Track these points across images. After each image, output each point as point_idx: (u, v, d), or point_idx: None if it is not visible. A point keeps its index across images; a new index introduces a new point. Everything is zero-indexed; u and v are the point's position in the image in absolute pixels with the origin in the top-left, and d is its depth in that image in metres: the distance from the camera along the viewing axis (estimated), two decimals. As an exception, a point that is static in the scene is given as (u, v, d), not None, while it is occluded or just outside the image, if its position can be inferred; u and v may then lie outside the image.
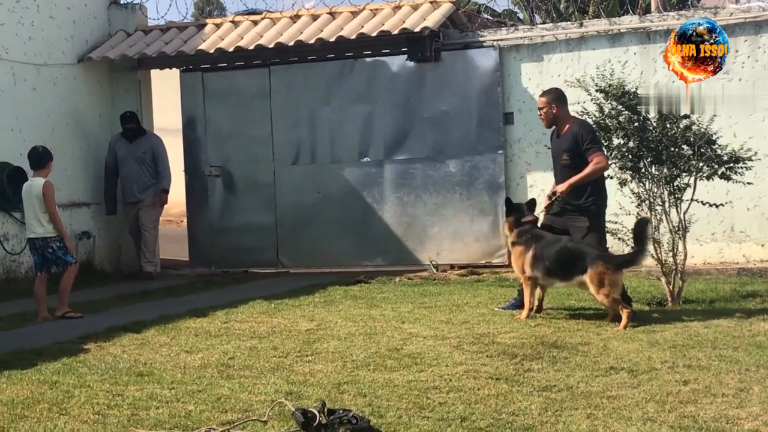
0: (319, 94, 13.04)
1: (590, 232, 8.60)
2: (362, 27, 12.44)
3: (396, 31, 12.22)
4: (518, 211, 8.72)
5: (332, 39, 12.41)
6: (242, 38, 12.97)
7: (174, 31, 13.65)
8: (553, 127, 8.90)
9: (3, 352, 7.12)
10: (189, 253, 13.71)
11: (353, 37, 12.35)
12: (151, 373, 6.30)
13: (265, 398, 5.55)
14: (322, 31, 12.57)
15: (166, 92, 14.65)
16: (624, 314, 7.89)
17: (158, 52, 13.20)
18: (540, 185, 12.18)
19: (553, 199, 8.70)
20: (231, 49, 12.87)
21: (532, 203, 8.87)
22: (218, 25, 13.48)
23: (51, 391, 5.81)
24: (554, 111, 8.75)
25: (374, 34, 12.30)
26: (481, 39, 12.40)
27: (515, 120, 12.31)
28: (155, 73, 14.24)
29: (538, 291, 8.55)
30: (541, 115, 8.89)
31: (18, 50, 12.33)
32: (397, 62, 12.70)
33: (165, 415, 5.22)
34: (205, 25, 13.59)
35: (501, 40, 12.31)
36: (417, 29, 12.09)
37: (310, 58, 13.08)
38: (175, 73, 13.88)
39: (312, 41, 12.50)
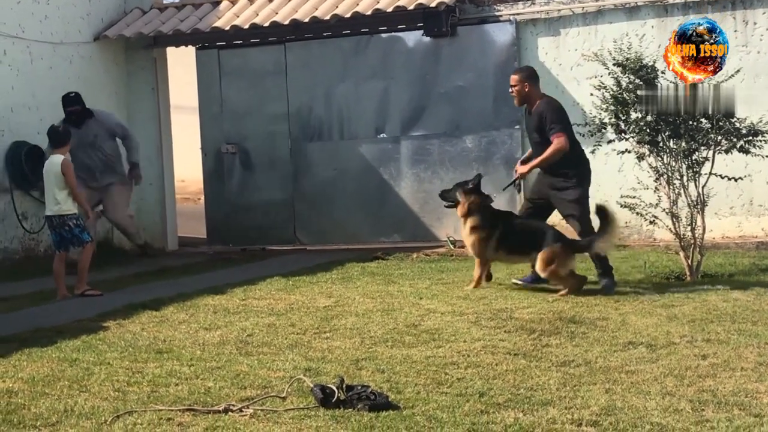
0: (335, 70, 13.01)
1: (573, 204, 8.83)
2: (378, 2, 12.38)
3: (412, 6, 12.16)
4: (478, 194, 8.91)
5: (348, 15, 12.36)
6: (257, 15, 12.94)
7: (189, 8, 13.63)
8: (524, 104, 9.08)
9: (23, 330, 7.17)
10: (206, 230, 13.74)
11: (369, 12, 12.30)
12: (170, 350, 6.33)
13: (284, 375, 5.57)
14: (337, 7, 12.52)
15: (182, 70, 14.64)
16: (565, 286, 8.36)
17: (174, 29, 13.18)
18: (557, 160, 12.13)
19: (515, 180, 9.19)
20: (246, 26, 12.84)
21: (478, 179, 9.08)
22: (233, 2, 13.44)
23: (71, 368, 5.85)
24: (526, 89, 8.91)
25: (390, 9, 12.24)
26: (497, 13, 12.31)
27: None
28: (171, 51, 14.23)
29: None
30: (513, 92, 9.05)
31: (34, 29, 12.34)
32: (413, 38, 12.65)
33: (184, 391, 5.24)
34: (220, 2, 13.55)
35: (517, 14, 12.22)
36: (433, 4, 12.02)
37: (325, 34, 13.04)
38: (191, 50, 13.87)
39: (327, 17, 12.46)
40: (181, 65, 14.73)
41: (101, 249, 12.76)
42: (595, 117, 9.43)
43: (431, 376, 5.48)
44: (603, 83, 9.16)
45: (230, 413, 4.79)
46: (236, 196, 13.52)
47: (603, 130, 9.32)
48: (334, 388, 4.91)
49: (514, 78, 9.04)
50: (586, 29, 11.96)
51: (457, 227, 12.47)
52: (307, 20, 12.58)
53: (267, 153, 13.38)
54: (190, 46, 13.84)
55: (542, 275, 8.53)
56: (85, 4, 13.21)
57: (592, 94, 9.67)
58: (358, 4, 12.43)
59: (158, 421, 4.68)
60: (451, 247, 12.08)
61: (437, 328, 6.86)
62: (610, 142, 9.52)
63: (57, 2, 12.70)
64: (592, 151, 9.56)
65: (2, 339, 6.83)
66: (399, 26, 12.72)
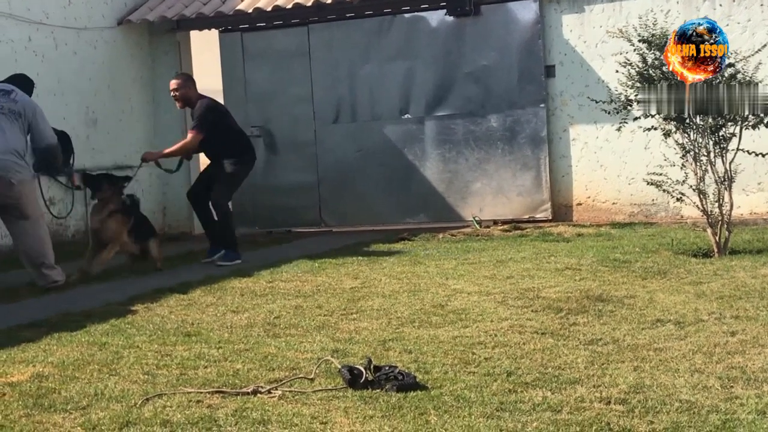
0: (358, 51, 12.99)
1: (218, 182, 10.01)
2: (400, -18, 12.35)
3: (435, -14, 12.12)
4: (112, 183, 9.56)
5: (371, -5, 12.34)
6: (280, -3, 12.93)
7: (212, -9, 13.63)
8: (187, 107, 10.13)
9: (53, 314, 7.22)
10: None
11: (391, -8, 12.27)
12: (198, 333, 6.36)
13: (312, 356, 5.58)
14: (360, -13, 12.50)
15: (206, 53, 14.65)
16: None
17: (197, 13, 13.20)
18: (583, 138, 12.09)
19: (140, 165, 10.23)
20: (269, 9, 12.84)
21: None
22: (256, -15, 13.44)
23: (100, 352, 5.89)
24: (188, 92, 9.91)
25: (412, -11, 12.20)
26: (520, -9, 12.25)
27: (557, 73, 12.19)
28: (195, 34, 14.24)
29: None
30: (176, 96, 9.96)
31: (58, 15, 12.38)
32: (436, 17, 12.60)
33: (213, 374, 5.26)
34: (242, -16, 13.57)
35: (541, -8, 12.15)
36: (456, -17, 11.98)
37: (348, 15, 13.02)
38: (214, 33, 13.88)
39: (350, -2, 12.43)
40: (205, 48, 14.73)
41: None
42: (620, 94, 9.38)
43: (458, 356, 5.48)
44: (628, 60, 9.10)
45: (259, 395, 4.81)
46: (261, 179, 13.52)
47: (629, 107, 9.27)
48: (362, 369, 4.92)
49: (175, 83, 10.02)
50: (611, 5, 11.87)
51: (483, 206, 12.49)
52: (330, 1, 12.56)
53: (291, 135, 13.40)
54: (213, 30, 13.85)
55: None
56: (108, -11, 13.24)
57: (617, 71, 9.61)
58: (380, -15, 12.40)
59: (187, 403, 4.71)
60: (477, 227, 12.06)
61: (464, 308, 6.86)
62: (636, 119, 9.46)
63: (80, -12, 12.74)
64: (618, 129, 9.52)
65: (32, 323, 6.89)
66: (422, 6, 12.69)
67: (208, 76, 14.91)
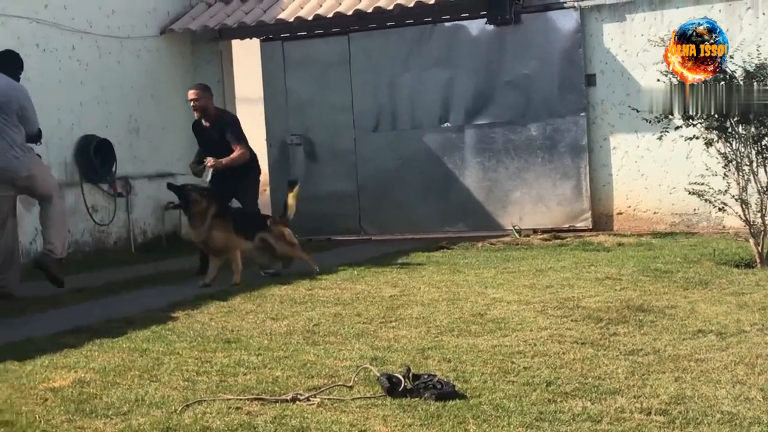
0: (398, 60, 13.02)
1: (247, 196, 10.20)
2: (441, -9, 12.36)
3: (475, -5, 12.12)
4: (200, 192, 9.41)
5: (411, 4, 12.36)
6: (321, 6, 13.00)
7: (254, 0, 13.73)
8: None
9: (95, 321, 7.29)
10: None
11: (432, 1, 12.27)
12: (238, 340, 6.38)
13: (351, 364, 5.59)
14: (400, -4, 12.53)
15: (247, 62, 14.75)
16: None
17: (238, 22, 13.29)
18: (624, 147, 12.03)
19: (211, 173, 9.90)
20: (310, 18, 12.90)
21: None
22: (297, -6, 13.52)
23: (141, 358, 5.93)
24: (206, 102, 9.94)
25: (453, -2, 12.22)
26: (561, 0, 12.21)
27: (597, 81, 12.14)
28: (236, 43, 14.34)
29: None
30: (195, 106, 9.94)
31: (102, 24, 12.53)
32: (477, 26, 12.60)
33: (252, 381, 5.29)
34: (283, -7, 13.65)
35: (582, 1, 12.11)
36: (496, -8, 11.97)
37: (389, 24, 13.05)
38: (255, 42, 13.97)
39: (391, 7, 12.47)
40: (246, 57, 14.83)
41: (170, 241, 12.97)
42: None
43: (498, 365, 5.46)
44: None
45: (298, 402, 4.82)
46: (301, 187, 13.55)
47: (670, 117, 9.20)
48: (401, 377, 4.91)
49: (194, 92, 10.02)
50: (653, 14, 11.80)
51: (522, 215, 12.45)
52: (370, 10, 12.60)
53: (331, 143, 13.45)
54: (254, 39, 13.94)
55: None
56: (151, -1, 13.39)
57: (658, 80, 9.54)
58: (421, -6, 12.42)
59: (227, 410, 4.73)
60: (517, 236, 12.02)
61: (503, 317, 6.84)
62: (677, 128, 9.39)
63: (124, -3, 12.89)
64: (660, 138, 9.46)
65: (75, 329, 6.96)
66: (462, 15, 12.69)
67: (249, 84, 15.00)
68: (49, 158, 11.61)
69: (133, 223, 12.80)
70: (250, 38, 14.01)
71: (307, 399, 4.86)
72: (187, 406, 4.80)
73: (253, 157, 10.29)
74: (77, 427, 4.53)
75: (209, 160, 9.80)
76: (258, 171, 10.44)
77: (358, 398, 4.87)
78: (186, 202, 9.31)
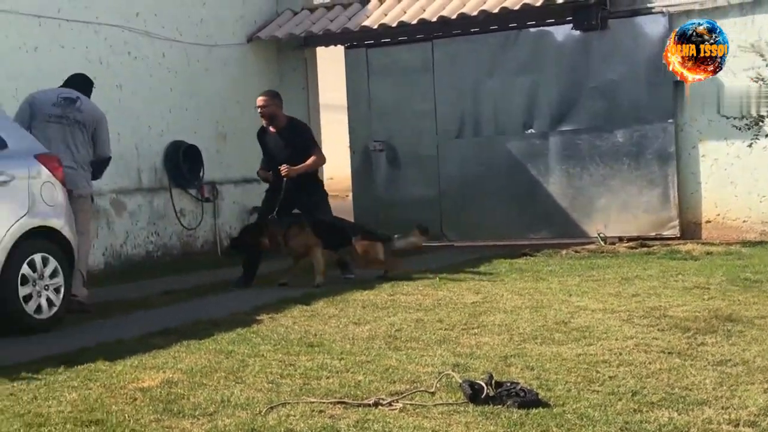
0: (482, 66, 12.99)
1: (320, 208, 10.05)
2: (526, -3, 12.31)
3: (561, 0, 12.03)
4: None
5: (496, 10, 12.33)
6: (405, 13, 13.04)
7: (339, 8, 13.83)
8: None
9: (182, 323, 7.42)
10: (355, 227, 13.90)
11: (517, 7, 12.23)
12: (321, 344, 6.44)
13: (432, 370, 5.59)
14: (485, 2, 12.50)
15: (331, 69, 14.86)
16: None
17: (324, 29, 13.41)
18: (713, 154, 11.81)
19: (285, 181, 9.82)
20: (394, 24, 12.95)
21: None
22: (382, 1, 13.57)
23: (227, 360, 6.02)
24: (275, 109, 9.86)
25: (539, 3, 12.14)
26: (649, 5, 12.05)
27: (686, 88, 11.94)
28: (320, 50, 14.46)
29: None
30: (263, 113, 9.89)
31: (191, 32, 12.75)
32: (563, 32, 12.51)
33: (335, 384, 5.33)
34: (368, 1, 13.71)
35: (671, 6, 11.93)
36: (583, -3, 11.89)
37: (472, 30, 13.02)
38: (340, 49, 14.07)
39: (475, 13, 12.45)
40: (331, 64, 14.95)
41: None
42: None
43: (582, 374, 5.41)
44: (760, 75, 8.87)
45: (380, 407, 4.84)
46: (384, 193, 13.65)
47: (760, 123, 9.03)
48: (483, 384, 4.90)
49: (263, 99, 9.96)
50: (743, 20, 11.57)
51: (607, 223, 12.30)
52: (454, 17, 12.60)
53: (414, 150, 13.47)
54: (338, 46, 14.04)
55: None
56: (238, 7, 13.57)
57: (749, 86, 9.37)
58: (505, 0, 12.37)
59: (310, 413, 4.77)
60: (602, 243, 11.89)
61: (588, 326, 6.77)
62: (768, 135, 9.21)
63: (212, 5, 13.09)
64: (750, 145, 9.28)
65: (163, 331, 7.10)
66: (548, 20, 12.61)
67: (333, 91, 15.11)
68: (139, 164, 11.88)
69: (220, 228, 12.98)
70: (335, 45, 14.11)
71: (390, 404, 4.88)
72: (272, 408, 4.86)
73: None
74: (165, 427, 4.62)
75: (283, 168, 9.75)
76: (322, 184, 10.50)
77: (440, 404, 4.87)
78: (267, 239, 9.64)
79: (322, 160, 10.13)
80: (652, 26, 12.02)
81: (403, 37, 13.39)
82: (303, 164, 9.80)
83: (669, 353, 5.87)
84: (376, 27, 13.08)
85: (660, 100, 12.03)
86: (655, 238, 11.96)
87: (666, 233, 12.02)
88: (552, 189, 12.68)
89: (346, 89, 13.88)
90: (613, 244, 11.91)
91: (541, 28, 12.68)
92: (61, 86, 8.86)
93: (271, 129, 9.99)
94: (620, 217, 12.31)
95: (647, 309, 7.32)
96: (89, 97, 8.89)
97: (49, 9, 10.79)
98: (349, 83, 13.84)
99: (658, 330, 6.56)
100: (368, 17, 13.28)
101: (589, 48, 12.35)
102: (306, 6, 14.11)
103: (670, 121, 11.97)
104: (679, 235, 11.95)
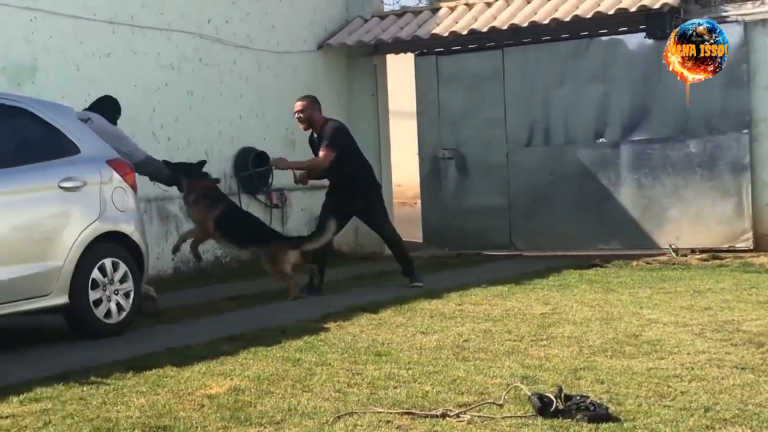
0: (553, 75, 12.88)
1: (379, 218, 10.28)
2: (599, 5, 12.18)
3: (634, 8, 11.89)
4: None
5: (567, 18, 12.22)
6: (476, 20, 12.99)
7: (409, 15, 13.84)
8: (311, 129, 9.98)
9: (250, 329, 7.46)
10: (422, 234, 13.89)
11: (589, 15, 12.12)
12: (388, 353, 6.42)
13: (501, 381, 5.54)
14: (557, 10, 12.40)
15: (401, 76, 14.85)
16: (290, 285, 9.21)
17: (393, 37, 13.41)
18: (789, 166, 11.56)
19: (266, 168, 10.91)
20: (465, 32, 12.91)
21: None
22: (452, 9, 13.54)
23: (294, 368, 6.03)
24: (312, 114, 9.85)
25: (611, 11, 12.02)
26: (724, 14, 11.84)
27: (762, 97, 11.72)
28: (390, 57, 14.46)
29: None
30: (300, 118, 9.89)
31: (262, 39, 12.84)
32: (635, 40, 12.35)
33: (402, 395, 5.30)
34: (439, 8, 13.68)
35: (746, 14, 11.72)
36: (656, 6, 11.72)
37: (544, 38, 12.93)
38: (409, 56, 14.06)
39: (546, 21, 12.36)
40: (400, 72, 14.94)
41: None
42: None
43: (653, 389, 5.32)
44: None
45: (448, 418, 4.80)
46: (452, 201, 13.60)
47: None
48: (552, 397, 4.84)
49: (299, 104, 9.94)
50: (820, 27, 11.32)
51: (679, 234, 12.11)
52: (525, 25, 12.52)
53: (483, 158, 13.41)
54: (409, 53, 14.03)
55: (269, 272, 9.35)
56: (309, 14, 13.64)
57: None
58: (578, 8, 12.26)
59: (377, 423, 4.75)
60: (674, 255, 11.70)
61: (659, 339, 6.66)
62: None
63: (283, 13, 13.17)
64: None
65: (231, 337, 7.14)
66: (620, 29, 12.47)
67: (402, 98, 15.09)
68: (210, 169, 11.96)
69: (288, 234, 13.02)
70: (405, 53, 14.11)
71: (457, 415, 4.84)
72: (339, 417, 4.84)
73: (366, 173, 10.13)
74: (232, 434, 4.64)
75: (278, 161, 10.13)
76: (376, 187, 10.32)
77: (509, 417, 4.82)
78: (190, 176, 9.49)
79: (317, 162, 9.91)
80: (728, 35, 11.69)
81: (473, 44, 13.35)
82: (298, 160, 10.43)
83: (742, 368, 5.75)
84: (446, 35, 13.04)
85: (734, 110, 11.82)
86: (727, 251, 11.74)
87: (739, 245, 11.80)
88: (623, 199, 12.52)
89: (416, 97, 13.87)
90: (685, 255, 11.71)
91: (613, 36, 12.54)
92: (85, 109, 9.02)
93: (315, 134, 10.00)
94: (692, 229, 12.11)
95: (720, 323, 7.18)
96: (117, 117, 9.17)
97: (123, 15, 10.95)
98: (418, 91, 13.83)
99: (731, 345, 6.42)
100: (438, 25, 13.26)
101: (662, 57, 12.12)
102: (376, 13, 14.14)
103: (745, 131, 11.76)
104: (752, 248, 11.71)
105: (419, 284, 9.81)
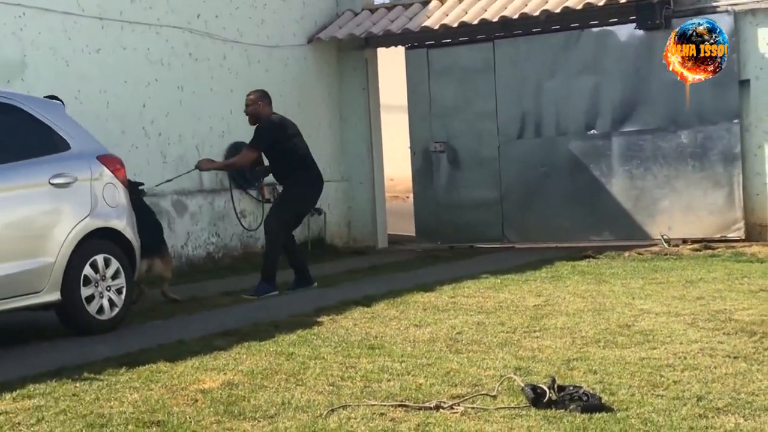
0: (544, 66, 12.88)
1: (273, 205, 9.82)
2: (588, -4, 12.19)
3: (623, -1, 11.90)
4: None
5: (557, 10, 12.22)
6: (466, 13, 12.98)
7: (399, 8, 13.82)
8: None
9: (243, 324, 7.46)
10: (415, 228, 13.90)
11: (579, 7, 12.11)
12: (381, 346, 6.42)
13: (494, 373, 5.55)
14: (547, 2, 12.39)
15: (392, 70, 14.85)
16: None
17: (384, 30, 13.40)
18: (779, 155, 11.59)
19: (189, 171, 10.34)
20: (455, 25, 12.90)
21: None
22: (442, 2, 13.53)
23: (287, 362, 6.03)
24: (257, 109, 9.53)
25: (601, 3, 12.01)
26: (714, 4, 11.85)
27: (752, 87, 11.74)
28: (380, 51, 14.44)
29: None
30: (246, 111, 9.62)
31: (251, 33, 12.81)
32: (625, 31, 12.36)
33: (396, 387, 5.30)
34: (429, 1, 13.66)
35: (736, 4, 11.72)
36: (646, -4, 11.73)
37: (534, 30, 12.93)
38: (400, 50, 14.04)
39: (537, 13, 12.35)
40: (391, 65, 14.94)
41: (315, 246, 13.16)
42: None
43: (646, 378, 5.33)
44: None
45: (441, 410, 4.81)
46: (444, 194, 13.61)
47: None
48: (546, 388, 4.85)
49: (249, 98, 9.66)
50: (812, 17, 11.34)
51: (671, 225, 12.13)
52: (516, 17, 12.52)
53: (475, 151, 13.41)
54: (399, 46, 14.01)
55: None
56: (299, 8, 13.62)
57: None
58: (568, 0, 12.26)
59: (371, 415, 4.76)
60: (666, 245, 11.72)
61: (651, 329, 6.68)
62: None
63: (273, 7, 13.15)
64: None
65: (224, 332, 7.14)
66: (610, 20, 12.48)
67: (393, 92, 15.08)
68: (200, 164, 11.95)
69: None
70: (396, 46, 14.09)
71: (451, 407, 4.85)
72: (332, 410, 4.85)
73: (295, 172, 9.51)
74: (226, 429, 4.64)
75: (202, 162, 9.99)
76: (304, 184, 9.60)
77: (502, 408, 4.83)
78: None
79: (237, 162, 10.00)
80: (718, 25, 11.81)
81: (464, 37, 13.33)
82: (220, 161, 10.65)
83: (735, 357, 5.77)
84: (437, 27, 13.03)
85: (725, 101, 11.83)
86: (719, 240, 11.77)
87: (731, 235, 11.82)
88: (614, 190, 12.53)
89: (407, 90, 13.86)
90: (677, 246, 11.73)
91: (604, 27, 12.55)
92: None
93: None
94: (684, 219, 12.13)
95: (712, 312, 7.20)
96: None
97: (112, 11, 10.92)
98: (409, 84, 13.81)
99: (724, 334, 6.44)
100: (429, 17, 13.24)
101: (652, 48, 12.16)
102: (366, 6, 14.12)
103: (736, 121, 11.77)
104: (744, 237, 11.74)
105: (254, 297, 9.08)
